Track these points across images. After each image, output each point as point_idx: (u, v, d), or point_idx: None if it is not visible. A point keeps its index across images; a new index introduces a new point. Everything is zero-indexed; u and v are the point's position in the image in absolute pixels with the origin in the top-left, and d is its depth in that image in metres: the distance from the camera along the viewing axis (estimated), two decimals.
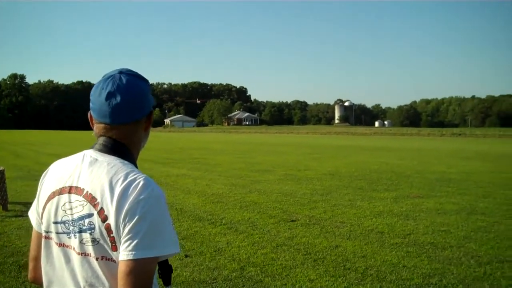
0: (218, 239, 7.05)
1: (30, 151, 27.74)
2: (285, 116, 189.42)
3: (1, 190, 9.01)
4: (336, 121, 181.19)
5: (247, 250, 6.46)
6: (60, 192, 1.51)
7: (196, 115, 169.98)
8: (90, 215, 1.42)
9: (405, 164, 20.70)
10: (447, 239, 7.16)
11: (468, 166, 19.71)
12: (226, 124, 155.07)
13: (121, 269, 1.36)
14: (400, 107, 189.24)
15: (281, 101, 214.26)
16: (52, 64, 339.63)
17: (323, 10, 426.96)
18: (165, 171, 16.41)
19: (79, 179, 1.49)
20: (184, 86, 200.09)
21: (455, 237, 7.29)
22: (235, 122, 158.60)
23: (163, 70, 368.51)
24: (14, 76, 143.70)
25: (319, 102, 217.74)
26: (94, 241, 1.42)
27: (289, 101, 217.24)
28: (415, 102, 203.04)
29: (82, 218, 1.44)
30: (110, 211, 1.39)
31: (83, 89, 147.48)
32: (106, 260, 1.42)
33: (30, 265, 1.68)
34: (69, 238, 1.48)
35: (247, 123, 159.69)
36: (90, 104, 1.57)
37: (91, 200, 1.43)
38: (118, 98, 1.50)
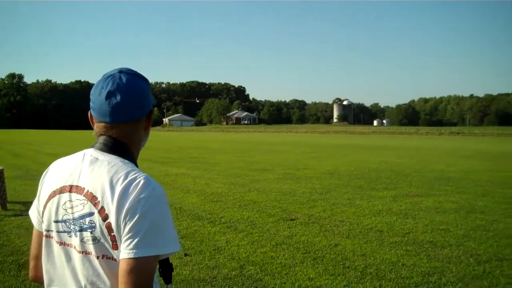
0: (218, 238, 7.06)
1: (29, 151, 27.71)
2: (284, 115, 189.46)
3: (0, 189, 9.01)
4: (335, 120, 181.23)
5: (246, 249, 6.47)
6: (61, 191, 1.52)
7: (194, 114, 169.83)
8: (90, 214, 1.43)
9: (404, 163, 20.72)
10: (446, 237, 7.17)
11: (467, 165, 19.74)
12: (225, 123, 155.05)
13: (122, 267, 1.36)
14: (398, 106, 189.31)
15: (279, 100, 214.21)
16: (50, 63, 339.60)
17: (322, 9, 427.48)
18: (164, 170, 16.40)
19: (79, 178, 1.49)
20: (182, 85, 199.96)
21: (454, 235, 7.30)
22: (234, 121, 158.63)
23: (162, 70, 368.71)
24: (12, 76, 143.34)
25: (317, 101, 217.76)
26: (94, 239, 1.42)
27: (287, 100, 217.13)
28: (413, 101, 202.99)
29: (82, 217, 1.44)
30: (111, 210, 1.40)
31: (81, 88, 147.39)
32: (107, 258, 1.43)
33: (31, 264, 1.69)
34: (70, 236, 1.49)
35: (246, 122, 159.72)
36: (90, 104, 1.57)
37: (92, 199, 1.43)
38: (118, 97, 1.50)
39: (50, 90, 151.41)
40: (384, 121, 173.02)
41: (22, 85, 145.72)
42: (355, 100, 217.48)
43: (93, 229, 1.42)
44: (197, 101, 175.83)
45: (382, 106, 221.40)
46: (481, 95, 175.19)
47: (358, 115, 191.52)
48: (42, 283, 1.62)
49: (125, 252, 1.37)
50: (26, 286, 4.97)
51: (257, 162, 20.62)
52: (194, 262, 5.81)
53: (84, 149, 1.58)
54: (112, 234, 1.40)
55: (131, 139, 1.58)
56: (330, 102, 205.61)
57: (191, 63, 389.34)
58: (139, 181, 1.42)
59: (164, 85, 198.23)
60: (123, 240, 1.38)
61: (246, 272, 5.48)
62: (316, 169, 17.47)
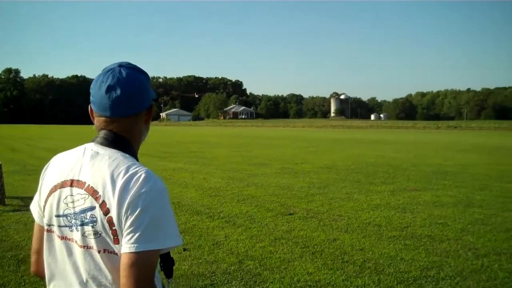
0: (216, 232, 7.06)
1: (26, 146, 27.66)
2: (281, 109, 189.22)
3: None
4: (332, 115, 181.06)
5: (245, 243, 6.47)
6: (62, 185, 1.52)
7: (192, 109, 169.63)
8: (92, 208, 1.43)
9: (402, 157, 20.75)
10: (444, 231, 7.19)
11: (464, 159, 19.78)
12: (222, 117, 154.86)
13: (124, 261, 1.37)
14: (395, 100, 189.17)
15: (276, 95, 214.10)
16: (47, 58, 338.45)
17: (318, 4, 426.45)
18: (161, 165, 16.39)
19: (80, 173, 1.49)
20: (179, 79, 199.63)
21: (453, 229, 7.32)
22: (231, 116, 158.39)
23: (158, 64, 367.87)
24: (8, 71, 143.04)
25: (314, 96, 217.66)
26: (96, 234, 1.43)
27: (284, 95, 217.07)
28: (410, 95, 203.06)
29: (84, 211, 1.45)
30: (112, 204, 1.40)
31: (78, 83, 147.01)
32: (108, 253, 1.43)
33: (32, 258, 1.69)
34: (71, 231, 1.49)
35: (243, 116, 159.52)
36: (91, 98, 1.57)
37: (93, 193, 1.44)
38: (118, 91, 1.50)
39: (46, 85, 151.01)
40: (381, 115, 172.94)
41: (18, 80, 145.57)
42: (352, 94, 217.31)
43: (95, 223, 1.42)
44: (196, 95, 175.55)
45: (379, 100, 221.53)
46: (478, 89, 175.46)
47: (356, 109, 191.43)
48: (43, 277, 1.62)
49: (126, 246, 1.37)
50: (25, 281, 4.97)
51: (255, 156, 20.63)
52: (193, 257, 5.81)
53: (82, 144, 1.58)
54: (114, 228, 1.40)
55: (131, 133, 1.58)
56: (328, 96, 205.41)
57: (188, 58, 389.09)
58: (140, 175, 1.43)
59: (161, 80, 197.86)
60: (124, 234, 1.38)
61: (245, 267, 5.49)
62: (314, 163, 17.48)
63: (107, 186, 1.42)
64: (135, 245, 1.36)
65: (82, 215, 1.45)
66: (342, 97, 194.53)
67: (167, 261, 1.55)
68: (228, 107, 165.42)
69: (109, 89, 1.50)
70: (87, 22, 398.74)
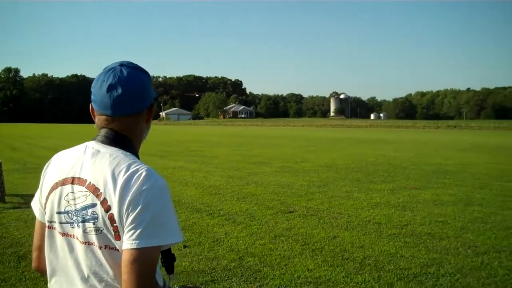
0: (216, 230, 7.07)
1: (26, 144, 27.66)
2: (281, 109, 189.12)
3: None
4: (332, 114, 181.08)
5: (245, 240, 6.48)
6: (63, 183, 1.53)
7: (191, 108, 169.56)
8: (93, 205, 1.44)
9: (402, 156, 20.76)
10: (444, 229, 7.20)
11: (464, 158, 19.79)
12: (222, 117, 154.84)
13: (125, 258, 1.38)
14: (395, 100, 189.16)
15: (276, 94, 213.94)
16: (46, 57, 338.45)
17: (318, 3, 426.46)
18: (162, 163, 16.39)
19: (81, 170, 1.50)
20: (179, 79, 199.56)
21: (452, 227, 7.33)
22: (231, 115, 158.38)
23: (158, 63, 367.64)
24: (8, 70, 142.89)
25: (314, 95, 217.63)
26: (97, 230, 1.44)
27: (284, 94, 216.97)
28: (410, 94, 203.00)
29: (85, 208, 1.46)
30: (113, 201, 1.41)
31: (78, 82, 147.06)
32: (110, 249, 1.44)
33: (34, 255, 1.70)
34: (72, 227, 1.50)
35: (243, 116, 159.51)
36: (92, 96, 1.58)
37: (94, 190, 1.45)
38: (119, 90, 1.51)
39: (46, 84, 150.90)
40: (381, 115, 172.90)
41: (18, 79, 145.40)
42: (352, 94, 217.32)
43: (96, 220, 1.44)
44: (197, 95, 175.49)
45: (379, 100, 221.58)
46: (478, 88, 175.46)
47: (355, 108, 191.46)
48: (45, 273, 1.63)
49: (128, 243, 1.38)
50: (25, 277, 4.98)
51: (254, 155, 20.63)
52: (193, 254, 5.82)
53: (82, 142, 1.60)
54: (115, 225, 1.41)
55: (132, 131, 1.59)
56: (327, 96, 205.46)
57: (188, 57, 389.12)
58: (141, 173, 1.44)
59: (160, 79, 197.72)
60: (125, 231, 1.40)
61: (245, 264, 5.50)
62: (313, 162, 17.49)
63: (108, 183, 1.43)
64: (137, 241, 1.37)
65: (83, 212, 1.46)
66: (341, 96, 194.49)
67: (168, 257, 1.57)
68: (228, 107, 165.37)
69: (110, 88, 1.52)
70: (86, 22, 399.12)
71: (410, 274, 5.19)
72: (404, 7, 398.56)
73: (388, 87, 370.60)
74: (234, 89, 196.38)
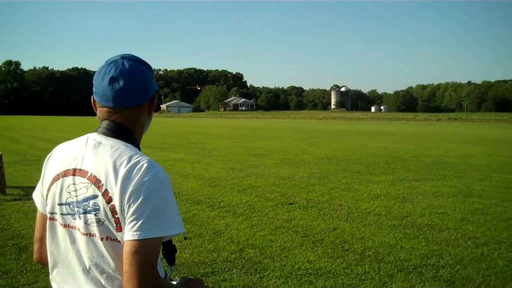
0: (217, 221, 7.08)
1: (26, 137, 27.66)
2: (281, 101, 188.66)
3: None
4: (333, 107, 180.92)
5: (245, 232, 6.49)
6: (65, 174, 1.54)
7: (192, 101, 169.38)
8: (94, 197, 1.45)
9: (402, 148, 20.76)
10: (444, 221, 7.21)
11: (464, 150, 19.77)
12: (222, 109, 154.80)
13: (126, 249, 1.38)
14: (396, 93, 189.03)
15: (277, 87, 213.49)
16: (47, 50, 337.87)
17: None
18: (162, 155, 16.39)
19: (83, 162, 1.51)
20: (180, 72, 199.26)
21: (452, 219, 7.33)
22: (231, 108, 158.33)
23: (159, 56, 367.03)
24: (9, 63, 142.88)
25: (315, 88, 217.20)
26: (98, 221, 1.45)
27: (285, 87, 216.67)
28: (411, 87, 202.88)
29: (86, 199, 1.47)
30: (115, 192, 1.42)
31: (78, 75, 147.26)
32: (111, 240, 1.45)
33: (35, 246, 1.71)
34: (74, 219, 1.51)
35: (243, 108, 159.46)
36: (93, 89, 1.59)
37: (96, 182, 1.45)
38: (121, 83, 1.52)
39: (47, 77, 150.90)
40: (382, 108, 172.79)
41: (19, 72, 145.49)
42: (353, 86, 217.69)
43: (97, 212, 1.44)
44: (198, 88, 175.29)
45: (379, 93, 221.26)
46: (479, 81, 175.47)
47: (356, 101, 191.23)
48: (46, 265, 1.64)
49: (129, 234, 1.39)
50: (26, 269, 4.99)
51: (255, 147, 20.63)
52: (194, 245, 5.83)
53: (82, 135, 1.60)
54: (116, 216, 1.42)
55: (134, 123, 1.60)
56: (328, 88, 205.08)
57: (189, 50, 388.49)
58: (143, 165, 1.44)
59: (161, 72, 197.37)
60: (127, 222, 1.40)
61: (245, 255, 5.51)
62: (314, 154, 17.49)
63: (110, 175, 1.44)
64: (138, 232, 1.38)
65: (84, 203, 1.47)
66: (342, 89, 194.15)
67: (169, 249, 1.59)
68: (229, 99, 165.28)
69: (112, 81, 1.53)
70: (87, 15, 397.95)
71: (410, 265, 5.20)
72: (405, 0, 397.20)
73: (389, 80, 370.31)
74: (234, 82, 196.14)
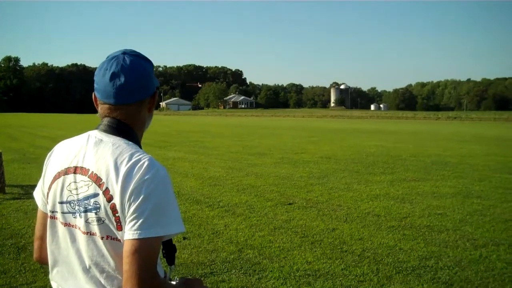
0: (216, 221, 7.09)
1: (26, 134, 27.65)
2: (281, 99, 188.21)
3: None
4: (332, 105, 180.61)
5: (244, 232, 6.50)
6: (66, 172, 1.53)
7: (191, 98, 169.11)
8: (95, 195, 1.45)
9: (401, 147, 20.75)
10: (443, 222, 7.21)
11: (464, 150, 19.77)
12: (222, 107, 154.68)
13: (126, 248, 1.38)
14: (395, 90, 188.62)
15: (276, 84, 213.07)
16: (46, 46, 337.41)
17: None
18: (161, 154, 16.39)
19: (84, 160, 1.51)
20: (179, 68, 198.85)
21: (451, 220, 7.34)
22: (231, 105, 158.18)
23: (158, 53, 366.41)
24: (8, 59, 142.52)
25: (314, 85, 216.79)
26: (99, 220, 1.44)
27: (284, 84, 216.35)
28: (410, 85, 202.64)
29: (87, 198, 1.46)
30: (116, 191, 1.42)
31: (78, 72, 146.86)
32: (111, 239, 1.45)
33: (36, 245, 1.71)
34: (74, 217, 1.51)
35: (243, 106, 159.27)
36: (95, 85, 1.59)
37: (96, 180, 1.45)
38: (122, 79, 1.52)
39: (46, 73, 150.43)
40: (381, 106, 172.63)
41: (18, 68, 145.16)
42: (353, 84, 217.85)
43: (98, 210, 1.44)
44: (199, 85, 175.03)
45: (379, 90, 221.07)
46: (478, 79, 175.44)
47: (356, 99, 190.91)
48: (46, 263, 1.64)
49: (129, 233, 1.38)
50: (25, 268, 4.99)
51: (254, 146, 20.63)
52: (193, 246, 5.84)
53: (82, 132, 1.60)
54: (117, 215, 1.42)
55: (135, 120, 1.60)
56: (327, 86, 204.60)
57: (188, 47, 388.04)
58: (144, 163, 1.44)
59: (161, 69, 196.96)
60: (127, 221, 1.40)
61: (244, 256, 5.51)
62: (313, 153, 17.49)
63: (111, 173, 1.44)
64: (138, 231, 1.37)
65: (85, 201, 1.47)
66: (342, 87, 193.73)
67: (169, 248, 1.59)
68: (228, 97, 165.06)
69: (113, 77, 1.52)
70: (86, 10, 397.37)
71: (409, 267, 5.21)
72: None
73: (389, 78, 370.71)
74: (234, 79, 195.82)
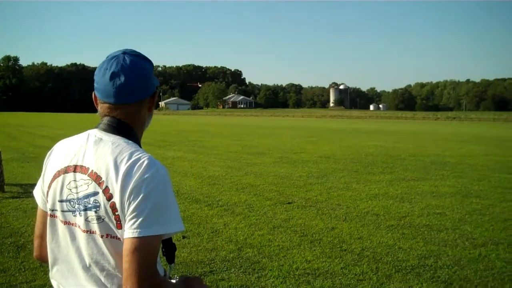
0: (215, 220, 7.09)
1: (25, 133, 27.65)
2: (280, 99, 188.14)
3: None
4: (331, 105, 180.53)
5: (244, 231, 6.50)
6: (66, 171, 1.54)
7: (191, 98, 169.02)
8: (95, 194, 1.45)
9: (401, 147, 20.75)
10: (442, 221, 7.22)
11: (463, 150, 19.78)
12: (221, 107, 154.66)
13: (126, 246, 1.38)
14: (395, 91, 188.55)
15: (276, 84, 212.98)
16: (46, 46, 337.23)
17: None
18: (161, 153, 16.39)
19: (84, 158, 1.51)
20: (178, 68, 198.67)
21: (450, 219, 7.34)
22: (230, 105, 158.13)
23: (158, 53, 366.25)
24: (7, 59, 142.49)
25: (314, 86, 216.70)
26: (99, 219, 1.45)
27: (284, 84, 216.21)
28: (410, 85, 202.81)
29: (87, 196, 1.47)
30: (115, 189, 1.42)
31: (77, 71, 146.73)
32: (111, 237, 1.45)
33: (36, 243, 1.71)
34: (74, 216, 1.51)
35: (242, 106, 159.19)
36: (95, 84, 1.59)
37: (96, 178, 1.45)
38: (122, 78, 1.52)
39: (45, 73, 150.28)
40: (381, 106, 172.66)
41: (17, 67, 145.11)
42: (352, 84, 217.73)
43: (98, 209, 1.44)
44: (199, 85, 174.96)
45: (378, 91, 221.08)
46: (478, 80, 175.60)
47: (355, 99, 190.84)
48: (46, 262, 1.64)
49: (129, 232, 1.39)
50: (25, 267, 4.99)
51: (254, 146, 20.62)
52: (192, 245, 5.84)
53: (81, 132, 1.61)
54: (116, 213, 1.42)
55: (135, 120, 1.60)
56: (327, 86, 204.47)
57: (188, 47, 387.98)
58: (143, 162, 1.45)
59: (160, 69, 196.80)
60: (127, 220, 1.40)
61: (244, 255, 5.52)
62: (312, 153, 17.48)
63: (110, 172, 1.44)
64: (138, 230, 1.38)
65: (85, 200, 1.47)
66: (341, 87, 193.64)
67: (169, 247, 1.59)
68: (227, 96, 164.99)
69: (113, 76, 1.53)
70: (86, 10, 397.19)
71: (408, 266, 5.22)
72: None
73: (388, 78, 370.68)
74: (233, 79, 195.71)
